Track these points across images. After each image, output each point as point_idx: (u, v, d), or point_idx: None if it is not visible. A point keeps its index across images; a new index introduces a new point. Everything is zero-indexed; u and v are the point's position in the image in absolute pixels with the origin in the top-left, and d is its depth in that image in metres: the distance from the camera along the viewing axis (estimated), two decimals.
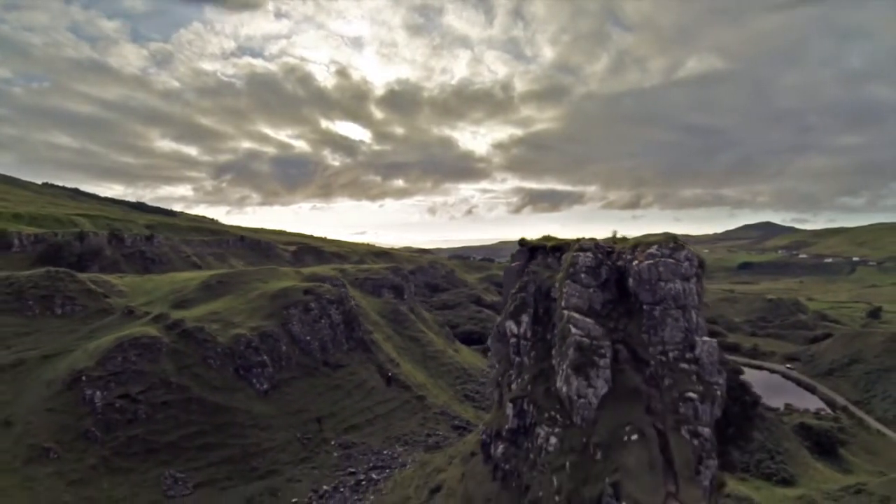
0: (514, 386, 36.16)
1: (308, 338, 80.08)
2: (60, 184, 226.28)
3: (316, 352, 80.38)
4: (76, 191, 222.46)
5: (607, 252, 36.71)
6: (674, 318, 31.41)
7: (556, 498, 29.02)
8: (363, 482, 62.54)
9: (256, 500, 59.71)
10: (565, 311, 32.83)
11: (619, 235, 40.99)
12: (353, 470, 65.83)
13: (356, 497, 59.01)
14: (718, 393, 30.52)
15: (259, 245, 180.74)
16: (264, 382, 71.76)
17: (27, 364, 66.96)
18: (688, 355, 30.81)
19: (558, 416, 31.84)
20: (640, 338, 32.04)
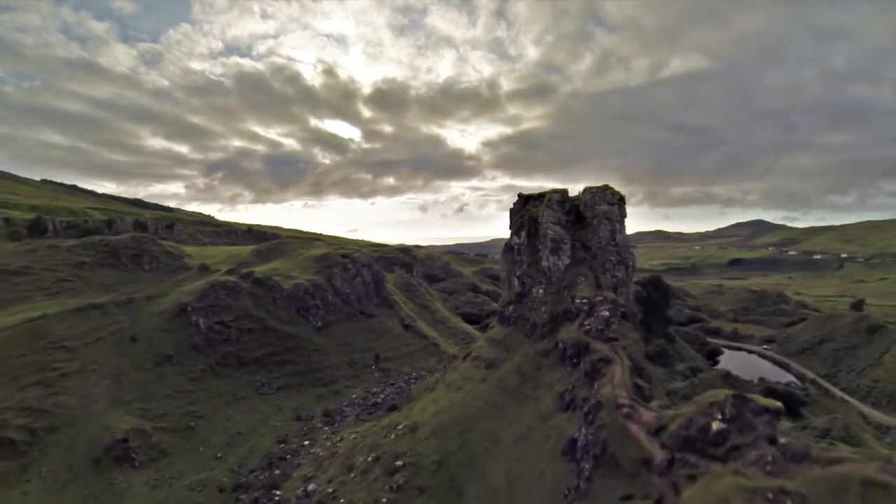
0: (518, 271, 68.38)
1: (347, 291, 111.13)
2: (57, 180, 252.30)
3: (354, 302, 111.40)
4: (74, 187, 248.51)
5: (570, 197, 69.57)
6: (605, 224, 64.23)
7: (544, 316, 61.07)
8: (403, 386, 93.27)
9: (325, 397, 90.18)
10: (545, 224, 65.38)
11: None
12: (392, 382, 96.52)
13: (400, 391, 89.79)
14: (630, 263, 63.32)
15: (266, 237, 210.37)
16: (318, 321, 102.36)
17: (136, 302, 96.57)
18: (612, 243, 63.63)
19: (543, 280, 64.16)
20: (587, 236, 64.80)
